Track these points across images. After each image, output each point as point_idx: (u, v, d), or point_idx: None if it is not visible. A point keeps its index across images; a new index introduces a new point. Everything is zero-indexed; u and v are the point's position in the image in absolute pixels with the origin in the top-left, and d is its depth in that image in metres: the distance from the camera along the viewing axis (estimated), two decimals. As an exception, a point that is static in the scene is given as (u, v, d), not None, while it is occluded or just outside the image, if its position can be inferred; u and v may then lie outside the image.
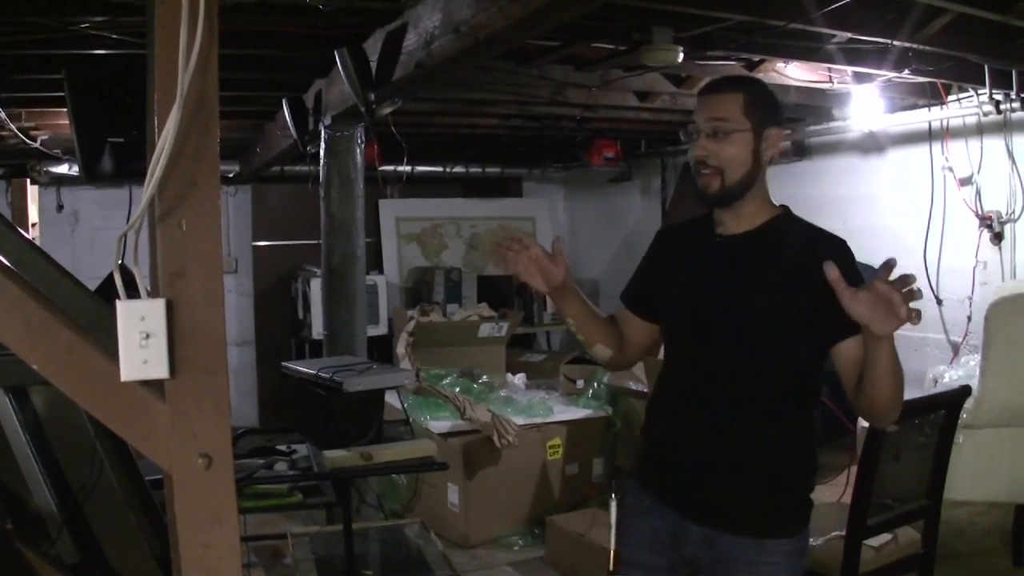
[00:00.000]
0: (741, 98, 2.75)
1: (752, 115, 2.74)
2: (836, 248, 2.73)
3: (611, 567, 3.05)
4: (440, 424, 6.53)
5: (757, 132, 2.75)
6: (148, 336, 1.79)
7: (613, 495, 3.03)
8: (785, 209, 2.90)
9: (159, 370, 1.81)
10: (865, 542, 4.01)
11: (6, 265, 1.91)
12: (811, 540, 4.32)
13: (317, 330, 9.06)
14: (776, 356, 2.73)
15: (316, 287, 9.08)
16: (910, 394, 5.51)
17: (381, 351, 9.00)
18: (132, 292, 1.84)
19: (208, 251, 1.86)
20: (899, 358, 2.48)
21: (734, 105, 2.74)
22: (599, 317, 3.12)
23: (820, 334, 2.65)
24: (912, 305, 2.23)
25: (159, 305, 1.81)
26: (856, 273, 2.53)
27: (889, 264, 2.29)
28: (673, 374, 2.97)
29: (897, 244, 7.44)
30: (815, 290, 2.51)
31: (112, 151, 4.04)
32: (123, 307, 1.80)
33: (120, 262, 1.85)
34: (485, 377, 7.70)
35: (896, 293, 2.26)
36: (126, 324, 1.80)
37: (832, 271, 2.36)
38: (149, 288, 1.87)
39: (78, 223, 9.74)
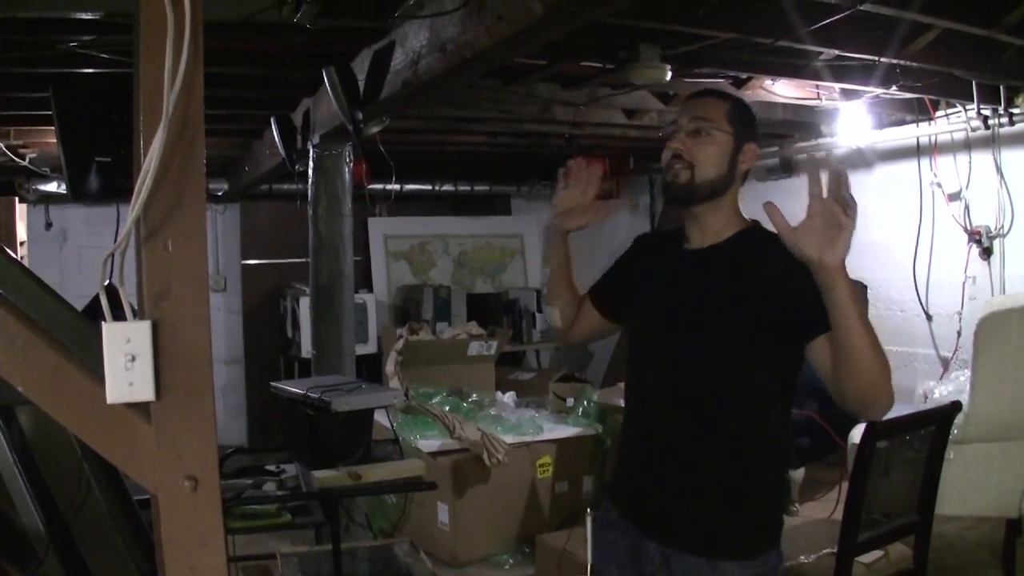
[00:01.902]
0: (727, 106, 2.79)
1: (735, 124, 2.77)
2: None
3: (589, 579, 3.05)
4: (429, 443, 6.51)
5: (737, 141, 2.77)
6: (134, 358, 1.78)
7: (589, 509, 3.03)
8: (755, 223, 2.86)
9: (145, 392, 1.80)
10: (857, 559, 4.01)
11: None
12: (802, 558, 4.36)
13: (306, 348, 9.03)
14: (739, 374, 2.70)
15: (305, 305, 9.07)
16: (900, 410, 5.52)
17: (370, 369, 8.98)
18: (119, 312, 1.83)
19: (194, 272, 1.85)
20: (876, 337, 2.43)
21: (720, 110, 2.78)
22: (573, 286, 3.23)
23: (794, 337, 2.60)
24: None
25: (144, 327, 1.80)
26: (809, 276, 2.40)
27: (812, 170, 2.39)
28: (638, 385, 2.96)
29: (886, 259, 7.47)
30: (782, 296, 2.56)
31: (99, 169, 4.03)
32: (109, 329, 1.79)
33: (107, 282, 1.85)
34: (474, 395, 7.69)
35: (832, 204, 2.31)
36: (112, 346, 1.79)
37: (772, 211, 2.44)
38: (136, 308, 1.86)
39: (66, 241, 9.71)
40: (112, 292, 1.85)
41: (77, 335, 2.02)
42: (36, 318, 1.91)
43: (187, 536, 1.88)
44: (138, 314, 1.84)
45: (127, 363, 1.78)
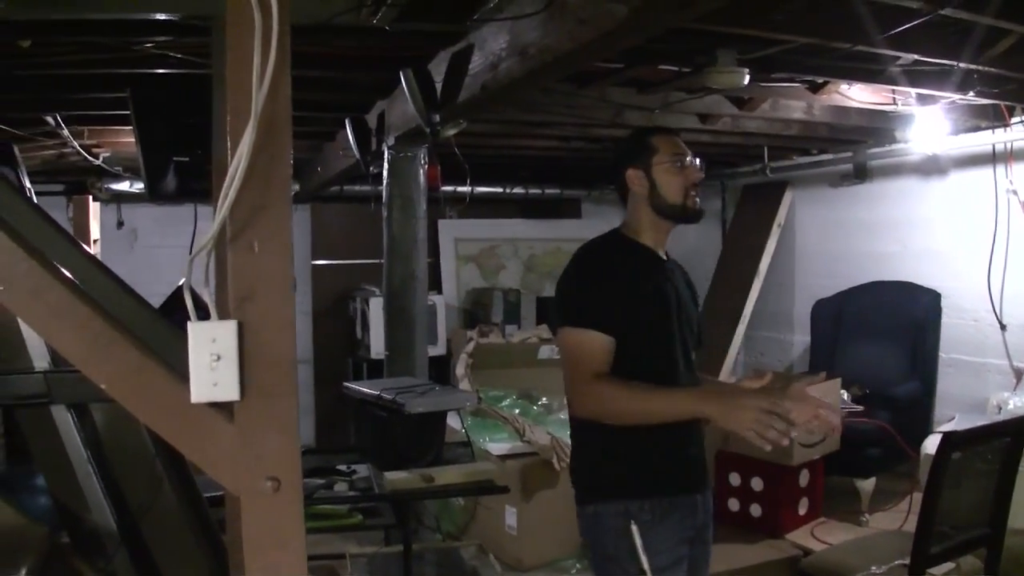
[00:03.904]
0: None
1: None
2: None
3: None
4: (498, 446, 6.50)
5: None
6: (219, 358, 1.79)
7: (632, 522, 3.10)
8: None
9: (229, 392, 1.81)
10: (928, 571, 3.96)
11: (74, 283, 1.91)
12: (873, 569, 4.36)
13: (375, 349, 9.07)
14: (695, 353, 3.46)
15: (374, 306, 9.09)
16: (972, 421, 5.45)
17: (439, 371, 8.99)
18: (199, 313, 1.84)
19: (279, 273, 1.85)
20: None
21: None
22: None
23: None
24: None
25: (231, 327, 1.80)
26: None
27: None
28: (669, 373, 3.28)
29: (957, 268, 7.39)
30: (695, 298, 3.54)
31: (176, 170, 4.06)
32: (195, 328, 1.80)
33: (183, 282, 1.85)
34: (544, 399, 7.66)
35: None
36: (197, 345, 1.79)
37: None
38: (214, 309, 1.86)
39: (137, 240, 9.81)
40: (192, 293, 1.86)
41: (155, 334, 2.03)
42: (118, 317, 1.92)
43: (267, 537, 1.88)
44: (221, 315, 1.85)
45: (212, 363, 1.79)
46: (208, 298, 1.84)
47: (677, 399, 3.08)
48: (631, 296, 3.17)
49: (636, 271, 3.26)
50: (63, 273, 1.92)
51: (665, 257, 3.41)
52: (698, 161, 3.36)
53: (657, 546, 3.14)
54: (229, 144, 1.80)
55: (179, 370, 1.83)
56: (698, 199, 3.33)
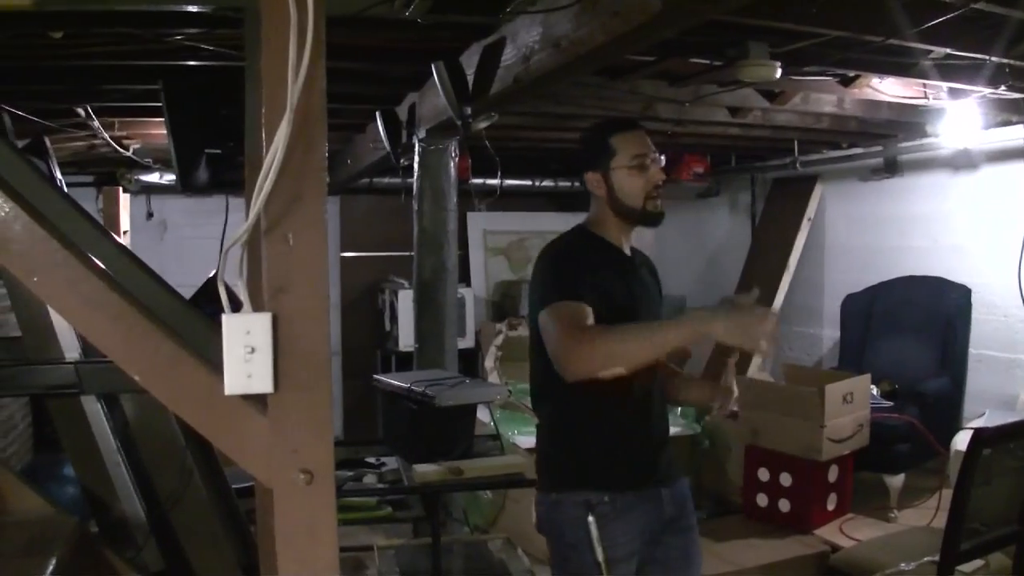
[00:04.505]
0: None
1: None
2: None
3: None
4: (527, 439, 6.49)
5: None
6: (253, 350, 1.79)
7: (590, 513, 3.15)
8: None
9: (263, 384, 1.81)
10: (957, 568, 3.95)
11: (108, 274, 1.91)
12: (903, 565, 4.34)
13: (404, 342, 9.09)
14: None
15: (403, 299, 9.11)
16: (1004, 417, 5.42)
17: (467, 364, 8.99)
18: (231, 304, 1.84)
19: (314, 266, 1.85)
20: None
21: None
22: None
23: None
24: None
25: (265, 319, 1.80)
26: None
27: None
28: (617, 379, 3.16)
29: (988, 263, 7.35)
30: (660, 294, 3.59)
31: (208, 162, 4.07)
32: (229, 321, 1.80)
33: (214, 273, 1.85)
34: (572, 392, 7.64)
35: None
36: (231, 337, 1.79)
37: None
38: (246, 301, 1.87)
39: (167, 231, 9.87)
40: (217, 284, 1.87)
41: (188, 325, 2.04)
42: (151, 308, 1.93)
43: (300, 530, 1.88)
44: (255, 307, 1.85)
45: (246, 355, 1.79)
46: (239, 290, 1.84)
47: (673, 324, 2.99)
48: (598, 278, 3.21)
49: (601, 261, 3.32)
50: (97, 264, 1.93)
51: (629, 252, 3.44)
52: (662, 159, 3.33)
53: (615, 538, 3.19)
54: (264, 136, 1.80)
55: (214, 362, 1.83)
56: (658, 201, 3.31)
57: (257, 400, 1.84)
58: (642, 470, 3.31)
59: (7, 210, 1.78)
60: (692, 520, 3.45)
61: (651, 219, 3.33)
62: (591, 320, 3.06)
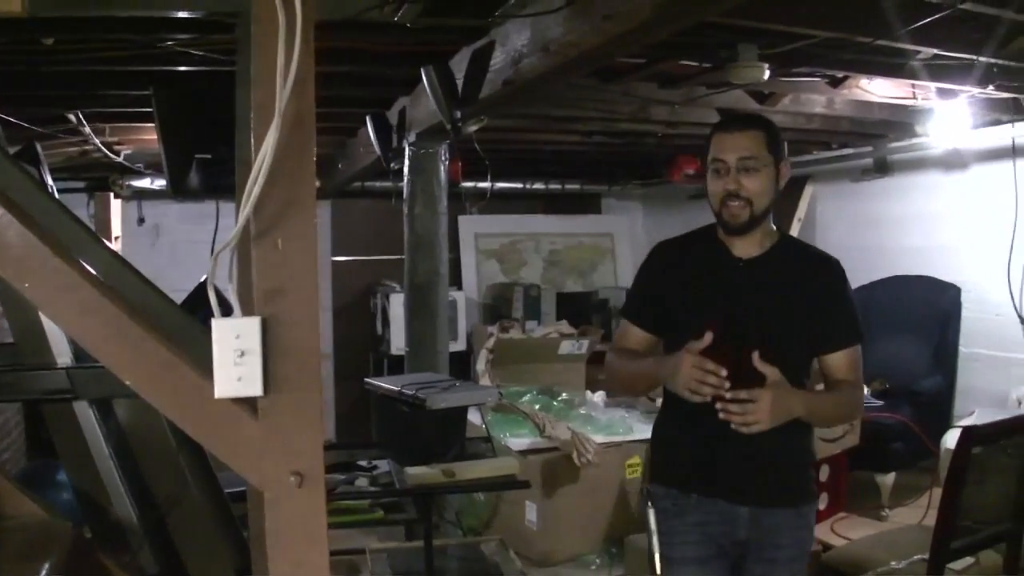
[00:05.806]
0: (764, 136, 3.16)
1: (773, 150, 3.16)
2: (832, 267, 3.33)
3: (658, 571, 3.19)
4: (519, 441, 6.51)
5: (777, 164, 3.18)
6: (243, 353, 1.80)
7: (649, 504, 3.18)
8: (783, 232, 3.36)
9: (253, 387, 1.82)
10: (948, 565, 3.96)
11: (100, 280, 1.92)
12: (893, 563, 4.37)
13: (396, 345, 9.09)
14: (791, 362, 3.12)
15: (396, 302, 9.11)
16: (995, 415, 5.44)
17: (460, 367, 9.00)
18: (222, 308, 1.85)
19: (304, 269, 1.87)
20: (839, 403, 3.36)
21: (760, 142, 3.14)
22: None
23: (815, 344, 3.28)
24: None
25: (255, 323, 1.81)
26: (847, 289, 3.34)
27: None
28: None
29: (979, 262, 7.37)
30: (815, 305, 3.22)
31: (199, 167, 4.07)
32: (219, 325, 1.81)
33: (205, 278, 1.86)
34: (565, 394, 7.67)
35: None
36: (221, 341, 1.80)
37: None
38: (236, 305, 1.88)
39: (159, 236, 9.87)
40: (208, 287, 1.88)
41: (180, 330, 2.05)
42: (142, 313, 1.93)
43: (292, 532, 1.89)
44: (245, 311, 1.86)
45: (236, 358, 1.80)
46: (231, 294, 1.86)
47: (648, 364, 3.27)
48: (660, 291, 3.32)
49: (676, 272, 3.34)
50: (89, 270, 1.93)
51: (745, 255, 3.24)
52: (745, 168, 3.10)
53: (671, 536, 3.26)
54: (253, 141, 1.81)
55: (205, 366, 1.84)
56: (734, 210, 3.12)
57: (248, 403, 1.85)
58: (699, 477, 3.25)
59: (-1, 216, 1.79)
60: (777, 554, 3.26)
61: (724, 227, 3.21)
62: (633, 339, 3.37)
